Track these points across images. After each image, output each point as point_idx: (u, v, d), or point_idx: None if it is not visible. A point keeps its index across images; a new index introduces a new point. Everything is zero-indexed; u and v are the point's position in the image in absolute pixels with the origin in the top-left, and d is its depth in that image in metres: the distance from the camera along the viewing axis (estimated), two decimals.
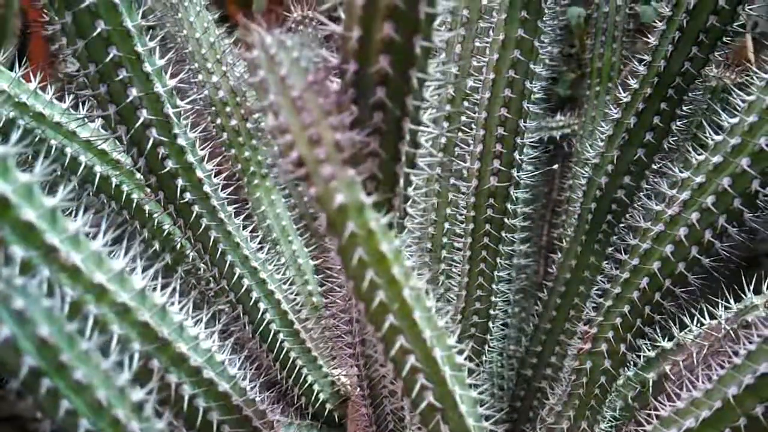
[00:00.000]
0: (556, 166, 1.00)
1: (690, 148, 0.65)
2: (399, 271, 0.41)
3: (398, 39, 0.39)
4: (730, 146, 0.59)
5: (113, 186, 0.77)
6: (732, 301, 0.74)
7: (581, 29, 1.10)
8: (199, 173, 0.67)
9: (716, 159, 0.61)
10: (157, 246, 0.84)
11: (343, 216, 0.38)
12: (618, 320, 0.72)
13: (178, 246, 0.84)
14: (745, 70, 0.87)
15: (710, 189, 0.61)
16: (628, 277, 0.70)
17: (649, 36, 0.71)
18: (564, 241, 0.90)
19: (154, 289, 0.52)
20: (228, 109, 0.88)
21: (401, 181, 0.49)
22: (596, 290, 0.80)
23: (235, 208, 0.73)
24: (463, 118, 0.75)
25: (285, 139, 0.39)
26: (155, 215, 0.80)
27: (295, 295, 0.85)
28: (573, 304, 0.90)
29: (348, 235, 0.39)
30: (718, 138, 0.61)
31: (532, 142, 0.75)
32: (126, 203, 0.79)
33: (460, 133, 0.76)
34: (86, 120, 0.73)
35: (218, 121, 0.89)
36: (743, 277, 0.73)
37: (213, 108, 0.88)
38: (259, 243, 0.77)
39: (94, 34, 0.54)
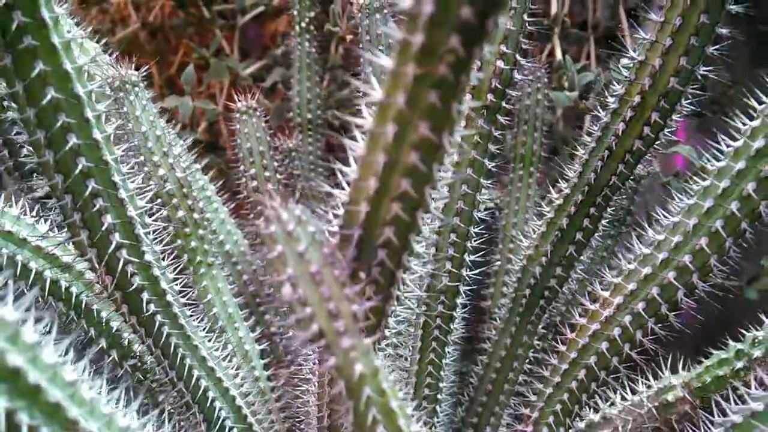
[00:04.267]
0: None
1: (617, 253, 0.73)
2: (404, 423, 0.45)
3: (404, 216, 0.44)
4: (660, 260, 0.67)
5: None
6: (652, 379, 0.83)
7: None
8: (164, 284, 0.68)
9: (646, 270, 0.69)
10: (103, 343, 0.83)
11: (362, 382, 0.42)
12: (558, 407, 0.79)
13: (125, 342, 0.84)
14: None
15: (641, 296, 0.69)
16: (567, 368, 0.77)
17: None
18: (495, 321, 0.97)
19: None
20: (175, 200, 0.88)
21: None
22: (532, 373, 0.87)
23: (183, 297, 0.74)
24: None
25: (305, 312, 0.42)
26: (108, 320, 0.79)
27: (243, 380, 0.87)
28: (507, 379, 0.97)
29: (365, 399, 0.42)
30: (646, 251, 0.69)
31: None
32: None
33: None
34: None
35: (164, 213, 0.89)
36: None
37: (159, 200, 0.88)
38: (207, 331, 0.79)
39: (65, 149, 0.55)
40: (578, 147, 0.78)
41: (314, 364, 0.66)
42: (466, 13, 0.32)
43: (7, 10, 0.46)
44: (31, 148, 0.55)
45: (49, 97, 0.50)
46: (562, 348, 0.79)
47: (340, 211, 0.47)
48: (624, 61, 0.71)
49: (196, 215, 0.91)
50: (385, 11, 0.90)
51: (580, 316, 0.76)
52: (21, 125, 0.53)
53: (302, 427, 0.82)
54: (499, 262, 1.07)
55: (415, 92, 0.37)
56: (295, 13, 1.22)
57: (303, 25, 1.22)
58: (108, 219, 0.59)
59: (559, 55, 1.29)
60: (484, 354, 0.99)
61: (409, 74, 0.36)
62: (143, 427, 0.51)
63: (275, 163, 0.97)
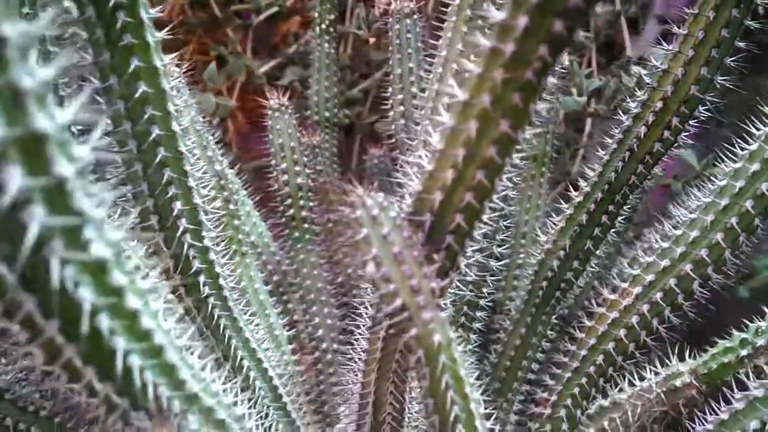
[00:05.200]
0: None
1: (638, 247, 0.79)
2: (469, 390, 0.50)
3: (475, 204, 0.49)
4: (678, 253, 0.73)
5: None
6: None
7: None
8: (218, 269, 0.73)
9: (664, 263, 0.75)
10: None
11: (438, 351, 0.47)
12: (576, 390, 0.84)
13: None
14: None
15: (659, 286, 0.75)
16: (586, 354, 0.83)
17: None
18: (510, 312, 1.03)
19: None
20: (213, 192, 0.93)
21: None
22: (545, 362, 0.93)
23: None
24: None
25: (389, 288, 0.47)
26: None
27: (277, 363, 0.92)
28: (521, 367, 1.02)
29: (441, 366, 0.47)
30: (665, 245, 0.75)
31: None
32: None
33: None
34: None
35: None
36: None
37: None
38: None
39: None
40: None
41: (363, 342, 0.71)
42: (559, 26, 0.38)
43: (113, 11, 0.50)
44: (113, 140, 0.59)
45: (140, 91, 0.55)
46: (580, 335, 0.84)
47: (409, 200, 0.52)
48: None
49: (231, 206, 0.95)
50: (415, 17, 0.95)
51: (599, 305, 0.82)
52: (108, 119, 0.57)
53: (337, 407, 0.87)
54: (510, 257, 1.12)
55: (501, 94, 0.42)
56: (316, 15, 1.26)
57: (323, 26, 1.26)
58: (178, 205, 0.64)
59: (566, 61, 1.35)
60: (498, 343, 1.05)
61: (497, 78, 0.41)
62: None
63: (305, 158, 1.01)
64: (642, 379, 0.90)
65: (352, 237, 0.49)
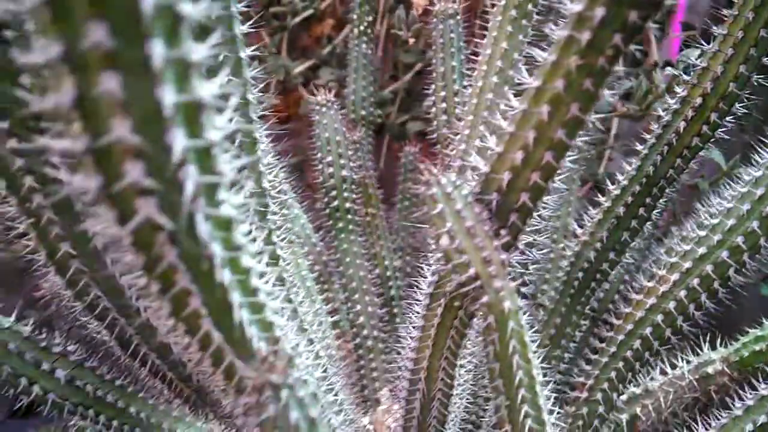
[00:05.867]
0: None
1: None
2: (532, 356, 0.54)
3: (541, 183, 0.53)
4: (715, 241, 0.77)
5: None
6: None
7: None
8: (278, 251, 0.77)
9: (701, 250, 0.78)
10: None
11: (508, 317, 0.51)
12: (613, 374, 0.88)
13: None
14: None
15: (695, 273, 0.79)
16: (623, 339, 0.86)
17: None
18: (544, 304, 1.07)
19: None
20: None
21: None
22: (583, 350, 0.96)
23: None
24: None
25: (462, 259, 0.51)
26: None
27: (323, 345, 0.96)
28: (554, 356, 1.06)
29: (510, 332, 0.51)
30: (701, 233, 0.79)
31: None
32: None
33: None
34: None
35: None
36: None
37: None
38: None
39: None
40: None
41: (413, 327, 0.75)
42: (633, 16, 0.42)
43: None
44: None
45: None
46: (617, 322, 0.88)
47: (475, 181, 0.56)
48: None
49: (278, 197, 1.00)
50: (458, 17, 1.00)
51: (637, 292, 0.86)
52: None
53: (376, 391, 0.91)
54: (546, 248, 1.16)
55: (574, 80, 0.46)
56: (355, 17, 1.31)
57: (361, 28, 1.31)
58: (250, 185, 0.68)
59: None
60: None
61: (572, 65, 0.46)
62: None
63: (349, 152, 1.06)
64: (673, 366, 0.94)
65: (427, 213, 0.53)
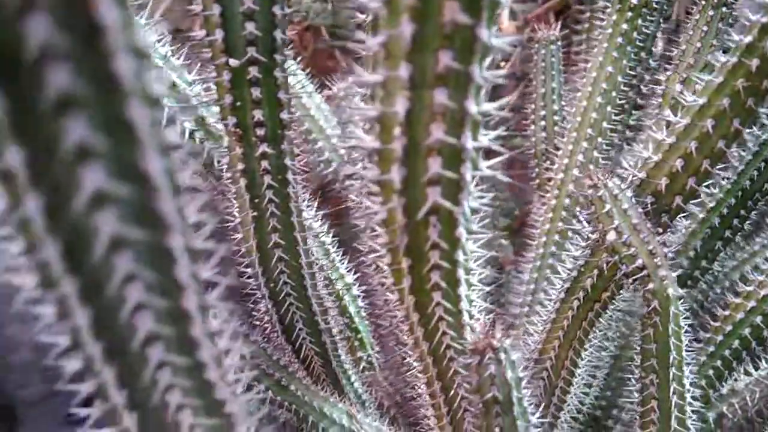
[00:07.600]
0: None
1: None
2: (685, 340, 0.62)
3: (695, 187, 0.61)
4: None
5: None
6: None
7: None
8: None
9: None
10: None
11: (670, 302, 0.59)
12: (711, 372, 0.95)
13: None
14: None
15: None
16: (722, 339, 0.94)
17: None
18: None
19: None
20: None
21: None
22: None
23: None
24: None
25: (629, 251, 0.59)
26: None
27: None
28: None
29: (672, 315, 0.59)
30: None
31: None
32: None
33: None
34: None
35: None
36: None
37: None
38: None
39: None
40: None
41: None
42: None
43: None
44: None
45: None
46: (715, 324, 0.95)
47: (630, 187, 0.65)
48: None
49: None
50: (559, 43, 1.09)
51: (735, 296, 0.93)
52: None
53: None
54: None
55: (738, 99, 0.55)
56: None
57: None
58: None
59: None
60: None
61: (738, 86, 0.54)
62: None
63: None
64: (756, 368, 1.01)
65: (595, 212, 0.61)
